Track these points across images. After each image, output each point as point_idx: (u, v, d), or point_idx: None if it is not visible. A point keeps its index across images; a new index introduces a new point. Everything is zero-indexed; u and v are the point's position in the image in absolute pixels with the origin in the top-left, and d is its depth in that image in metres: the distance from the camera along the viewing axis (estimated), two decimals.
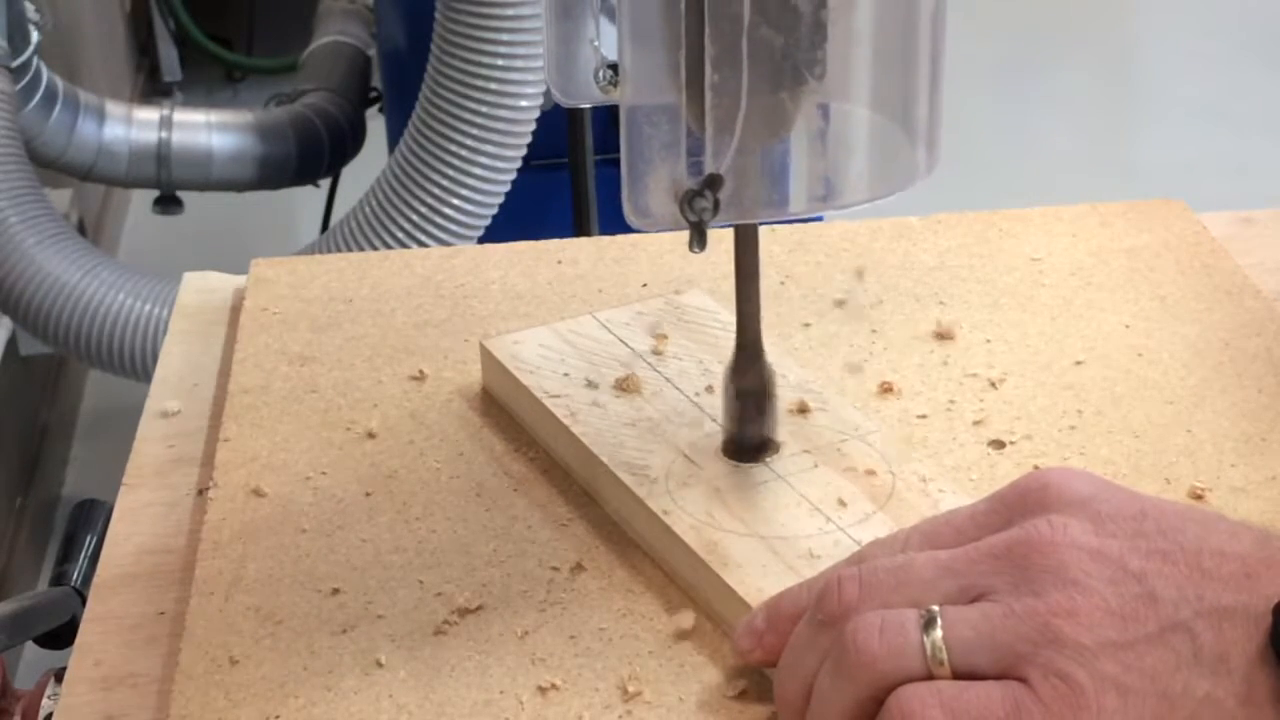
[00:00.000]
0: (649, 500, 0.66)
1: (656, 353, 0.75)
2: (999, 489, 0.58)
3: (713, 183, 0.58)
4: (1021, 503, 0.56)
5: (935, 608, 0.53)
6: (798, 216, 0.63)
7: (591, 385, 0.73)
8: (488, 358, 0.77)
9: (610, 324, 0.78)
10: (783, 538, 0.64)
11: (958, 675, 0.52)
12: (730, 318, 0.68)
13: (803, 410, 0.71)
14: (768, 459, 0.68)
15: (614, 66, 0.61)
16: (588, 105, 0.65)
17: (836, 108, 0.61)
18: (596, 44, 0.63)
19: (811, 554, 0.63)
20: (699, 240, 0.59)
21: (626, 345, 0.76)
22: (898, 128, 0.61)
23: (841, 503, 0.65)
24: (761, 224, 0.65)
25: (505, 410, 0.76)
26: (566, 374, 0.74)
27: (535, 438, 0.73)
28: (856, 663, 0.53)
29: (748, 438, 0.68)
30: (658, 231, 0.60)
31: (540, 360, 0.75)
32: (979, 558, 0.54)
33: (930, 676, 0.52)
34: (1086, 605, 0.52)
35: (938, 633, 0.53)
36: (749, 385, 0.67)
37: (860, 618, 0.54)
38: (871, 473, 0.67)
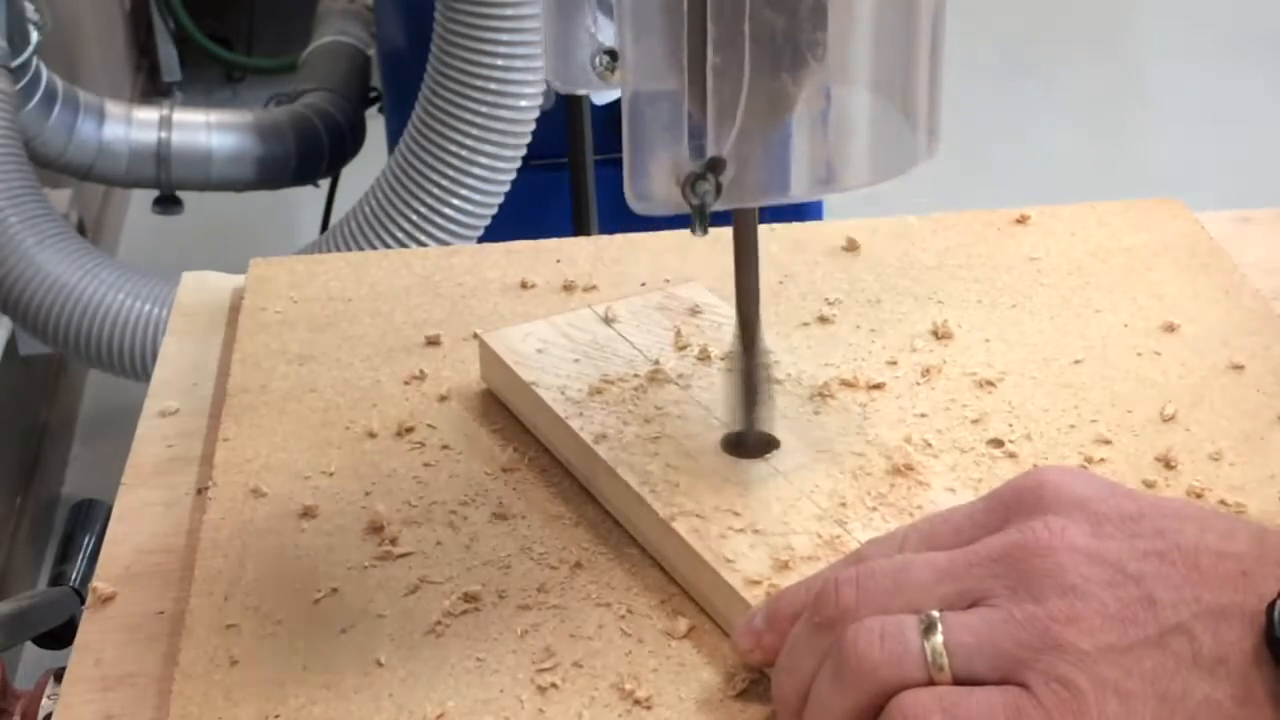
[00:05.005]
0: (648, 498, 0.66)
1: (654, 352, 0.75)
2: (996, 488, 0.58)
3: (715, 166, 0.58)
4: (1019, 502, 0.56)
5: (935, 613, 0.53)
6: (799, 200, 0.62)
7: (590, 380, 0.73)
8: (486, 351, 0.77)
9: (609, 318, 0.78)
10: (782, 535, 0.64)
11: (958, 681, 0.52)
12: (730, 310, 0.68)
13: (802, 409, 0.71)
14: (768, 456, 0.68)
15: (611, 53, 0.61)
16: (585, 93, 0.65)
17: (837, 91, 0.60)
18: (594, 30, 0.63)
19: (810, 552, 0.63)
20: (701, 224, 0.59)
21: (625, 339, 0.76)
22: (898, 111, 0.61)
23: (841, 501, 0.65)
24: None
25: (503, 404, 0.76)
26: (564, 368, 0.74)
27: (533, 432, 0.73)
28: (857, 669, 0.53)
29: (748, 434, 0.68)
30: (659, 214, 0.59)
31: (538, 354, 0.75)
32: (977, 561, 0.54)
33: (930, 682, 0.52)
34: (1086, 610, 0.51)
35: (938, 638, 0.53)
36: (750, 365, 0.67)
37: (860, 624, 0.54)
38: (870, 472, 0.67)
